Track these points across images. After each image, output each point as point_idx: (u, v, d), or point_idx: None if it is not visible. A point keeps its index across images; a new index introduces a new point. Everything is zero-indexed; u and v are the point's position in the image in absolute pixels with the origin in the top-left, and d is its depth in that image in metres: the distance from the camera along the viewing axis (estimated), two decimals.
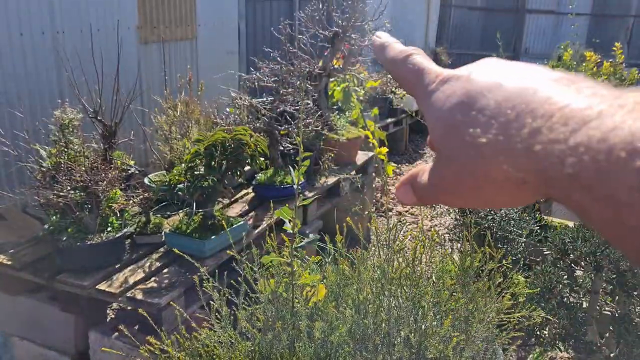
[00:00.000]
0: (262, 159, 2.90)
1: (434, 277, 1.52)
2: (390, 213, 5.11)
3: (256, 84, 3.29)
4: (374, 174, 4.65)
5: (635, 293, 1.62)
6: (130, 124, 3.44)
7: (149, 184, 3.03)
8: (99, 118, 2.77)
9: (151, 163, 3.36)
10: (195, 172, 2.69)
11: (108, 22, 3.78)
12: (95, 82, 2.85)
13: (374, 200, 5.18)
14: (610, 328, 1.70)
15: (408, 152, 7.04)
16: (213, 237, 2.65)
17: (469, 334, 1.34)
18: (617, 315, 1.69)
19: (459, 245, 1.88)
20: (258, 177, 3.40)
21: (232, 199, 3.36)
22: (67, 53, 3.29)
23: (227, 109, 3.61)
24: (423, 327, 1.38)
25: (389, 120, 6.44)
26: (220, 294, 1.66)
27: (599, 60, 5.52)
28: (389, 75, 5.68)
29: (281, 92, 3.29)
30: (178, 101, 3.01)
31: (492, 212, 2.47)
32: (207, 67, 4.58)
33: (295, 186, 1.45)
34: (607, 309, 1.95)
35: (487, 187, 0.33)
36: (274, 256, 1.51)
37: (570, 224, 3.00)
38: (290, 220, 1.53)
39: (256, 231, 2.98)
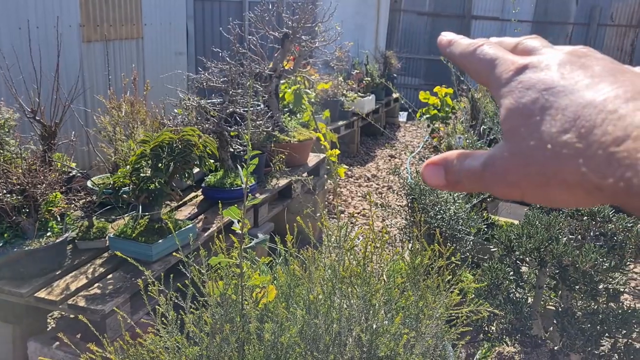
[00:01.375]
0: (211, 160, 2.84)
1: (384, 276, 1.52)
2: (342, 215, 5.13)
3: (205, 84, 3.22)
4: (325, 176, 4.65)
5: (577, 287, 1.67)
6: (73, 125, 3.31)
7: (92, 187, 2.92)
8: (37, 118, 2.64)
9: (94, 165, 3.24)
10: (141, 174, 2.61)
11: (48, 20, 3.63)
12: (34, 81, 2.72)
13: (326, 202, 5.18)
14: (554, 322, 1.75)
15: (360, 155, 7.09)
16: (160, 240, 2.57)
17: (419, 331, 1.34)
18: (560, 309, 1.74)
19: (409, 244, 1.89)
20: (207, 179, 3.33)
21: (181, 202, 3.28)
22: (3, 50, 3.14)
23: (175, 110, 3.53)
24: (374, 325, 1.37)
25: (340, 122, 6.47)
26: (166, 298, 1.60)
27: None
28: (340, 78, 5.68)
29: (230, 92, 3.24)
30: (122, 101, 2.91)
31: (441, 211, 2.50)
32: (153, 67, 4.47)
33: (244, 186, 1.42)
34: (550, 303, 2.01)
35: (554, 187, 0.33)
36: (222, 257, 1.47)
37: (516, 222, 3.09)
38: (239, 221, 1.49)
39: (205, 234, 2.91)
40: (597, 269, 1.61)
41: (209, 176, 3.35)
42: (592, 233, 1.73)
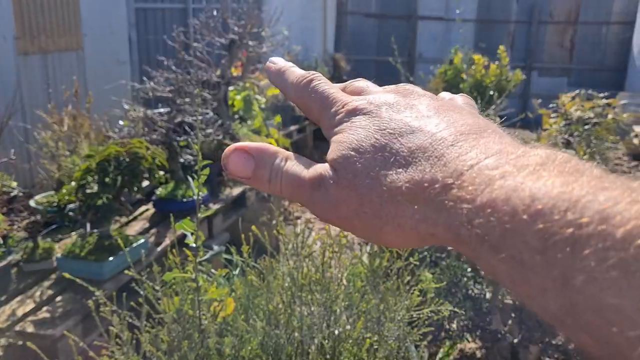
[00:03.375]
0: (161, 172, 2.77)
1: (344, 281, 1.50)
2: (298, 221, 5.10)
3: (151, 94, 3.14)
4: None
5: None
6: (12, 142, 3.15)
7: (35, 206, 2.79)
8: None
9: (37, 183, 3.10)
10: (88, 191, 2.51)
11: None
12: None
13: (282, 209, 5.14)
14: (513, 315, 1.77)
15: (314, 159, 7.04)
16: (111, 258, 2.48)
17: (382, 334, 1.33)
18: (517, 303, 1.76)
19: (367, 248, 1.88)
20: (158, 192, 3.24)
21: (131, 217, 3.18)
22: None
23: (121, 122, 3.42)
24: (336, 332, 1.35)
25: (292, 127, 6.45)
26: (120, 318, 1.54)
27: (486, 63, 5.86)
28: None
29: (178, 101, 3.16)
30: (64, 115, 2.79)
31: None
32: (95, 79, 4.32)
33: (195, 197, 1.37)
34: (508, 298, 2.04)
35: (388, 230, 0.32)
36: (176, 272, 1.42)
37: None
38: (192, 234, 1.44)
39: (159, 248, 2.83)
40: None
41: (160, 188, 3.26)
42: None
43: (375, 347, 1.34)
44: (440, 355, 2.11)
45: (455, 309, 1.46)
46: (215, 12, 3.77)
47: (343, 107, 0.37)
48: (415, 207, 0.30)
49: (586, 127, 2.96)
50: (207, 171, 1.39)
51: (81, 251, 2.49)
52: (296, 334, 1.30)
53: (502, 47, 5.87)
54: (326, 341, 1.32)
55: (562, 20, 9.57)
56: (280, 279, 1.44)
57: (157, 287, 1.49)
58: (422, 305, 1.42)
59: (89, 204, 2.48)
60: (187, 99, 3.18)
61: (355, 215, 0.33)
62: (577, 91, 3.35)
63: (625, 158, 7.16)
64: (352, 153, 0.34)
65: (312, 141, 7.26)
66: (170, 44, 3.65)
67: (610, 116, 3.01)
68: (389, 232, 0.32)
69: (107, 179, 2.47)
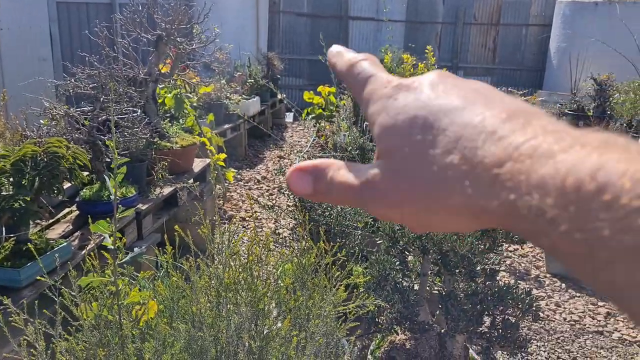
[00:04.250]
0: (84, 172, 2.65)
1: (271, 278, 1.48)
2: (233, 219, 5.03)
3: (72, 91, 3.00)
4: (213, 181, 4.53)
5: (457, 271, 1.75)
6: None
7: None
8: None
9: None
10: (2, 193, 2.36)
11: None
12: None
13: (217, 208, 5.06)
14: (439, 306, 1.81)
15: (248, 157, 7.02)
16: (29, 263, 2.35)
17: (309, 331, 1.32)
18: (443, 293, 1.81)
19: (296, 244, 1.87)
20: (83, 193, 3.10)
21: (53, 219, 3.02)
22: None
23: (41, 121, 3.25)
24: (265, 331, 1.33)
25: (226, 126, 6.36)
26: (35, 328, 1.45)
27: (414, 62, 6.00)
28: (223, 81, 5.55)
29: (102, 99, 3.03)
30: None
31: (329, 208, 2.52)
32: (13, 75, 4.08)
33: (113, 197, 1.31)
34: (435, 288, 2.09)
35: (440, 210, 0.32)
36: (92, 277, 1.36)
37: None
38: (110, 235, 1.38)
39: (83, 252, 2.71)
40: (473, 251, 1.70)
41: (84, 189, 3.12)
42: None
43: (304, 344, 1.33)
44: (372, 347, 2.13)
45: (381, 303, 1.48)
46: (141, 7, 3.64)
47: (386, 84, 0.36)
48: (467, 182, 0.30)
49: None
50: (123, 170, 1.33)
51: None
52: (222, 335, 1.27)
53: (429, 47, 6.03)
54: (253, 341, 1.31)
55: (485, 22, 9.96)
56: (206, 278, 1.40)
57: (74, 293, 1.42)
58: (351, 300, 1.43)
59: (3, 207, 2.33)
60: (112, 97, 3.06)
61: (407, 200, 0.33)
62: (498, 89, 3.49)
63: None
64: (397, 138, 0.33)
65: (246, 139, 7.19)
66: (95, 40, 3.50)
67: None
68: (439, 213, 0.32)
69: (23, 181, 2.34)
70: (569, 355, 3.27)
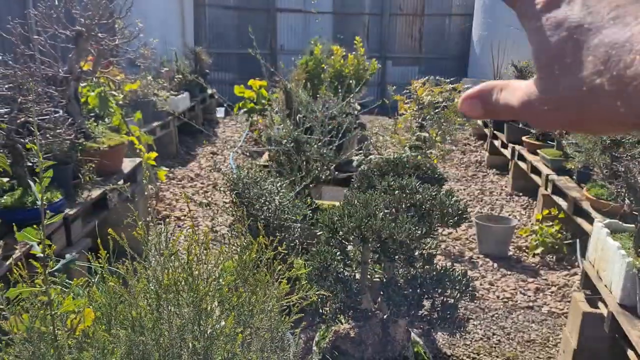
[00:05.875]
0: (3, 179, 2.49)
1: (212, 277, 1.45)
2: (167, 219, 4.91)
3: None
4: (144, 181, 4.39)
5: (397, 257, 1.79)
6: None
7: None
8: None
9: None
10: None
11: None
12: None
13: (150, 209, 4.91)
14: (381, 293, 1.85)
15: (180, 155, 6.86)
16: None
17: (254, 327, 1.31)
18: (384, 280, 1.85)
19: (237, 240, 1.84)
20: (3, 200, 2.92)
21: None
22: None
23: None
24: (208, 330, 1.31)
25: (155, 123, 6.18)
26: None
27: (344, 53, 6.06)
28: (149, 77, 5.37)
29: (19, 100, 2.86)
30: None
31: (266, 202, 2.50)
32: None
33: (40, 202, 1.24)
34: (376, 276, 2.13)
35: (592, 123, 0.34)
36: (22, 287, 1.28)
37: (337, 203, 3.23)
38: (39, 243, 1.31)
39: (7, 263, 2.56)
40: (411, 237, 1.74)
41: (5, 197, 2.94)
42: (403, 205, 1.86)
43: (249, 340, 1.32)
44: (316, 338, 2.15)
45: (324, 293, 1.49)
46: (57, 2, 3.46)
47: (540, 1, 0.37)
48: (619, 103, 0.31)
49: (436, 110, 3.18)
50: (50, 173, 1.26)
51: None
52: (165, 338, 1.24)
53: (358, 38, 6.10)
54: (197, 341, 1.28)
55: (411, 13, 10.19)
56: (144, 281, 1.36)
57: (2, 306, 1.34)
58: (294, 293, 1.43)
59: None
60: (31, 97, 2.89)
61: (561, 116, 0.35)
62: (426, 78, 3.60)
63: (473, 138, 7.84)
64: (550, 59, 0.35)
65: (177, 137, 7.02)
66: (6, 37, 3.30)
67: (457, 100, 3.27)
68: (592, 125, 0.34)
69: None
70: (503, 331, 3.43)
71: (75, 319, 1.36)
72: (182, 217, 4.98)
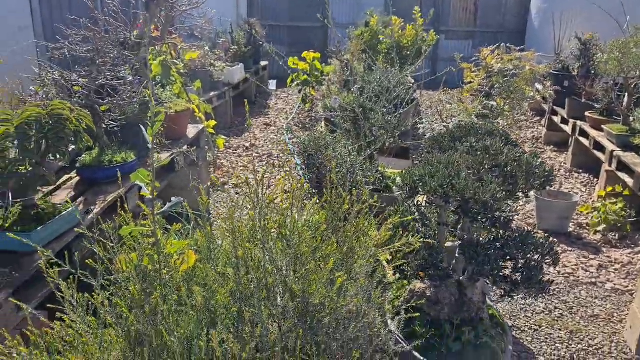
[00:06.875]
0: (88, 136, 2.59)
1: (307, 225, 1.49)
2: (226, 186, 5.02)
3: (67, 54, 2.91)
4: (207, 147, 4.49)
5: (479, 217, 1.78)
6: None
7: None
8: None
9: None
10: (7, 157, 2.31)
11: None
12: None
13: (209, 175, 5.02)
14: (461, 252, 1.85)
15: (235, 125, 6.96)
16: (39, 228, 2.31)
17: (352, 273, 1.35)
18: (465, 240, 1.85)
19: (315, 198, 1.88)
20: (82, 159, 3.05)
21: (54, 186, 2.97)
22: None
23: (32, 88, 3.16)
24: (305, 273, 1.35)
25: (212, 93, 6.27)
26: (67, 283, 1.44)
27: (402, 24, 5.97)
28: (206, 48, 5.43)
29: (98, 62, 2.96)
30: None
31: (338, 165, 2.53)
32: None
33: (150, 144, 1.30)
34: (450, 239, 2.12)
35: None
36: (133, 227, 1.35)
37: (397, 171, 3.24)
38: (147, 184, 1.38)
39: (89, 217, 2.68)
40: (495, 198, 1.73)
41: (84, 155, 3.06)
42: (486, 166, 1.85)
43: (347, 284, 1.35)
44: (390, 297, 2.18)
45: (428, 241, 1.51)
46: None
47: None
48: None
49: (505, 79, 3.11)
50: (162, 117, 1.31)
51: (4, 222, 2.30)
52: (268, 279, 1.29)
53: (417, 8, 6.00)
54: (296, 284, 1.32)
55: None
56: (243, 226, 1.41)
57: (113, 244, 1.41)
58: (387, 245, 1.45)
59: (10, 172, 2.29)
60: (108, 59, 2.99)
61: None
62: (496, 45, 3.52)
63: (530, 114, 7.64)
64: None
65: (232, 107, 7.11)
66: (81, 2, 3.39)
67: (527, 68, 3.19)
68: None
69: (29, 144, 2.29)
70: (565, 306, 3.38)
71: (178, 260, 1.42)
72: (240, 185, 5.07)
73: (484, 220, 1.77)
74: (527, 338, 3.06)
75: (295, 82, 7.31)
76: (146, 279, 1.37)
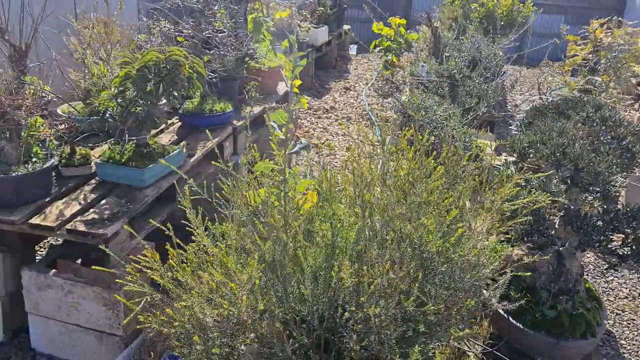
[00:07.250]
0: (198, 82, 2.72)
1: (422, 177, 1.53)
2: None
3: (179, 3, 3.04)
4: (295, 105, 4.58)
5: (591, 188, 1.77)
6: (37, 48, 3.04)
7: (66, 114, 2.74)
8: (6, 37, 2.42)
9: (61, 92, 3.02)
10: (127, 97, 2.47)
11: None
12: None
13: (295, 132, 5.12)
14: (566, 221, 1.85)
15: (315, 87, 7.02)
16: (151, 165, 2.48)
17: (472, 227, 1.39)
18: (571, 210, 1.84)
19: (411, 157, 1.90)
20: (185, 105, 3.20)
21: (158, 129, 3.15)
22: None
23: (139, 36, 3.32)
24: (425, 223, 1.40)
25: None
26: (196, 212, 1.56)
27: None
28: (294, 7, 5.44)
29: (206, 13, 3.07)
30: (95, 20, 2.70)
31: (437, 127, 2.54)
32: None
33: (289, 88, 1.37)
34: (554, 207, 2.11)
35: None
36: (266, 163, 1.44)
37: (488, 142, 3.21)
38: (281, 127, 1.46)
39: (191, 160, 2.83)
40: (610, 170, 1.71)
41: (187, 102, 3.22)
42: (602, 138, 1.82)
43: (466, 236, 1.39)
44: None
45: (559, 199, 1.53)
46: None
47: None
48: None
49: (614, 54, 2.99)
50: (304, 62, 1.38)
51: (121, 158, 2.48)
52: (396, 222, 1.34)
53: None
54: (415, 232, 1.37)
55: None
56: (373, 171, 1.46)
57: (244, 179, 1.51)
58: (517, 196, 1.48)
59: (129, 111, 2.45)
60: (215, 11, 3.09)
61: None
62: (607, 18, 3.37)
63: (623, 97, 7.25)
64: None
65: (313, 69, 7.17)
66: None
67: None
68: None
69: (147, 87, 2.43)
70: None
71: (301, 200, 1.50)
72: (320, 145, 5.15)
73: (596, 190, 1.75)
74: (609, 321, 3.01)
75: (378, 48, 7.24)
76: (284, 213, 1.46)
